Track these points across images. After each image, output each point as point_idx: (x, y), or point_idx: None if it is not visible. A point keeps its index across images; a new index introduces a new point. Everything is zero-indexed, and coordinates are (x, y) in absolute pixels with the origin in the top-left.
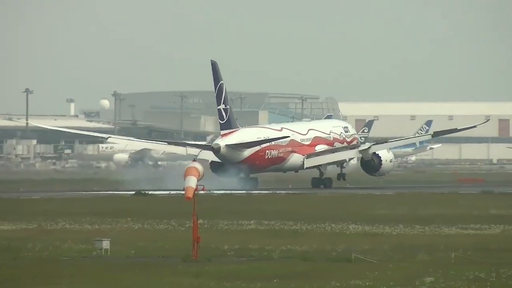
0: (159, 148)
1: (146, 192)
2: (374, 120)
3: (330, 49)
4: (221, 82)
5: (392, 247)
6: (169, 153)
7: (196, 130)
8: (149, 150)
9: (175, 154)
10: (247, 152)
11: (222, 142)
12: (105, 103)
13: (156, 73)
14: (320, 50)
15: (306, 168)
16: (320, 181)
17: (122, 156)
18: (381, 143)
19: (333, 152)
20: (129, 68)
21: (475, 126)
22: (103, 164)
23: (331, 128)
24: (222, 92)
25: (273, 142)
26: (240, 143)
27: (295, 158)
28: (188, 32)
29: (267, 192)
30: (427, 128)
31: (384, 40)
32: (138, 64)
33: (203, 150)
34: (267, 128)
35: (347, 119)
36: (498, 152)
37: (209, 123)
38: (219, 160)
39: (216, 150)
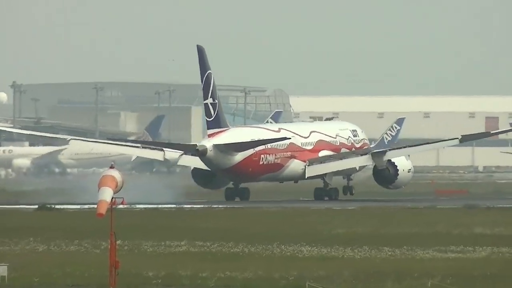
0: (131, 152)
1: (52, 206)
2: (333, 118)
3: (279, 33)
4: (209, 71)
5: (355, 273)
6: (142, 158)
7: (114, 130)
8: (57, 153)
9: (119, 157)
10: (239, 157)
11: (208, 143)
12: (2, 96)
13: (65, 60)
14: (267, 33)
15: (308, 177)
16: (325, 192)
17: (23, 162)
18: (398, 149)
19: (341, 159)
20: (31, 54)
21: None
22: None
23: (338, 131)
24: (210, 84)
25: (269, 145)
26: (231, 144)
27: (295, 165)
28: (100, 13)
29: (203, 206)
30: (398, 127)
31: (347, 23)
32: (42, 50)
33: (184, 154)
34: (263, 128)
35: (300, 116)
36: (485, 157)
37: (130, 121)
38: (204, 168)
39: (201, 153)
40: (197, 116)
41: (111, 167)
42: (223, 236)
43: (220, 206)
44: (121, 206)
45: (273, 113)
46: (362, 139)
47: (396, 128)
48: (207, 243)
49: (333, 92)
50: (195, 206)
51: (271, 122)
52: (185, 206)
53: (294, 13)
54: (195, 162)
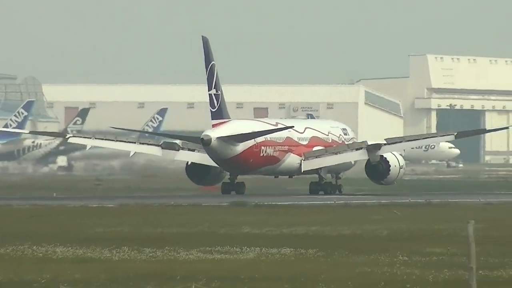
0: (128, 148)
1: None
2: (90, 108)
3: (40, 12)
4: (213, 62)
5: (112, 276)
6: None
7: None
8: None
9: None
10: (241, 147)
11: (213, 133)
12: None
13: None
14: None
15: (304, 172)
16: (320, 186)
17: None
18: (393, 143)
19: (336, 153)
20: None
21: (507, 128)
22: None
23: (329, 128)
24: (214, 75)
25: (269, 138)
26: (235, 135)
27: (292, 159)
28: None
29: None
30: (160, 118)
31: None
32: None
33: (181, 150)
34: (262, 121)
35: (54, 106)
36: None
37: None
38: (200, 163)
39: (206, 143)
40: None
41: None
42: None
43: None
44: None
45: (24, 103)
46: (352, 138)
47: (158, 119)
48: None
49: (90, 80)
50: None
51: (22, 113)
52: None
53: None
54: (192, 157)
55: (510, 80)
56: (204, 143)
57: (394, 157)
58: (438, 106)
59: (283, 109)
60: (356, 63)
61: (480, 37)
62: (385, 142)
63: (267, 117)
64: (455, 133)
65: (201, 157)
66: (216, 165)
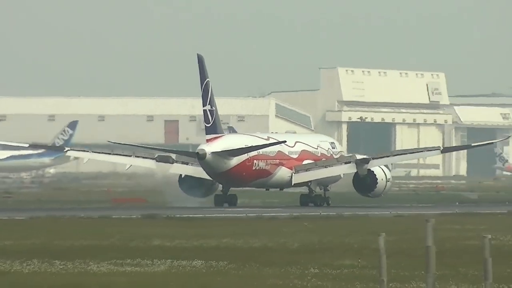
0: (124, 161)
1: None
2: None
3: None
4: (207, 79)
5: None
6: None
7: None
8: None
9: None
10: (235, 161)
11: (208, 148)
12: None
13: None
14: None
15: (294, 184)
16: (310, 198)
17: None
18: (381, 158)
19: (325, 167)
20: None
21: (508, 137)
22: None
23: (319, 142)
24: (208, 91)
25: (261, 152)
26: (229, 150)
27: (283, 173)
28: None
29: None
30: (70, 131)
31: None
32: None
33: (175, 163)
34: (254, 136)
35: None
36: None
37: None
38: (193, 175)
39: (201, 157)
40: None
41: None
42: None
43: None
44: None
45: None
46: (340, 151)
47: (68, 132)
48: None
49: (1, 93)
50: None
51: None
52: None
53: None
54: (185, 170)
55: (420, 93)
56: (199, 157)
57: (381, 171)
58: (349, 119)
59: (194, 121)
60: (267, 76)
61: (391, 50)
62: (372, 156)
63: (178, 129)
64: (441, 148)
65: (194, 170)
66: (208, 177)
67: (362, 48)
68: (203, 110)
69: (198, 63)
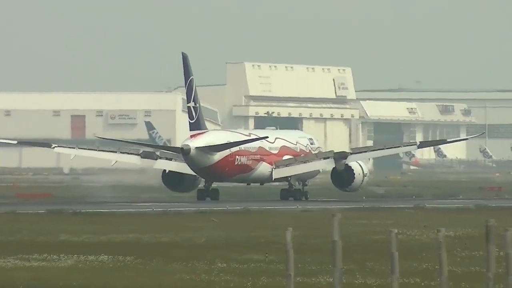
0: (110, 157)
1: None
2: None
3: None
4: (191, 77)
5: None
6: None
7: None
8: None
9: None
10: (217, 156)
11: (192, 143)
12: None
13: None
14: None
15: (275, 179)
16: (290, 193)
17: None
18: (359, 153)
19: (305, 162)
20: None
21: (466, 139)
22: None
23: (297, 138)
24: (192, 89)
25: (243, 147)
26: (212, 145)
27: (263, 168)
28: None
29: None
30: None
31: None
32: None
33: (159, 159)
34: (236, 132)
35: None
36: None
37: None
38: (176, 171)
39: (185, 152)
40: None
41: None
42: None
43: None
44: None
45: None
46: (318, 147)
47: None
48: None
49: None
50: None
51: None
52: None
53: None
54: (169, 166)
55: (327, 88)
56: (183, 153)
57: (358, 166)
58: (256, 114)
59: (100, 116)
60: (173, 71)
61: (298, 45)
62: (351, 151)
63: (84, 124)
64: (418, 143)
65: (178, 166)
66: (192, 173)
67: (269, 43)
68: (187, 106)
69: (183, 61)
